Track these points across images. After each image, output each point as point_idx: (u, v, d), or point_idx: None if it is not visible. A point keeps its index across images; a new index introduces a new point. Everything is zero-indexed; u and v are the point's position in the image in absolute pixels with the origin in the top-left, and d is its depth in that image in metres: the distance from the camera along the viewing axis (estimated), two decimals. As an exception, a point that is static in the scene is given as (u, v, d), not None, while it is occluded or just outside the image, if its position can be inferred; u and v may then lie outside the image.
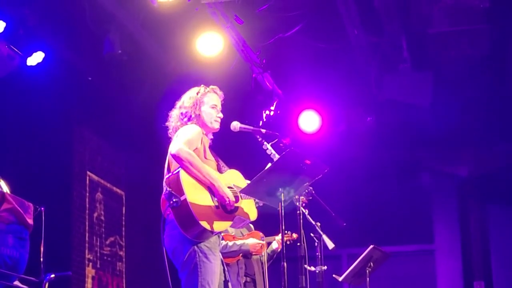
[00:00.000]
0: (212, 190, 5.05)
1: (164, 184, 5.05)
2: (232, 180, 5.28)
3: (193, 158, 4.96)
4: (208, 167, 5.12)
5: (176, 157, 4.97)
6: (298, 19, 8.95)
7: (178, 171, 4.97)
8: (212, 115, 5.36)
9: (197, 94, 5.38)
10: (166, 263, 4.94)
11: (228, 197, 5.05)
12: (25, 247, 5.84)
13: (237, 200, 5.16)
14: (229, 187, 5.19)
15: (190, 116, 5.28)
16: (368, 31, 9.39)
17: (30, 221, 5.91)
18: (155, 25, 8.63)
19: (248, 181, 5.94)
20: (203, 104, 5.34)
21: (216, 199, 5.05)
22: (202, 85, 5.46)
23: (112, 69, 9.13)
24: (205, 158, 5.19)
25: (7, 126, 8.76)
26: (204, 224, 4.85)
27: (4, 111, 8.60)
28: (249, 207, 5.30)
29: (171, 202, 4.87)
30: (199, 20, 8.53)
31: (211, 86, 5.47)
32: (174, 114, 5.39)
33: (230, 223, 5.15)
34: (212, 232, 4.93)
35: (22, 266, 5.80)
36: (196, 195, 4.93)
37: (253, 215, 5.32)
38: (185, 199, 4.86)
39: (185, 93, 5.46)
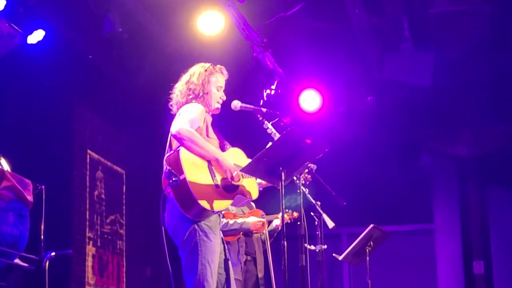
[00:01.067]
0: (214, 167, 5.03)
1: (164, 162, 5.04)
2: (234, 158, 5.26)
3: (194, 136, 4.94)
4: (211, 145, 5.10)
5: (177, 137, 4.95)
6: (299, -2, 8.94)
7: (179, 150, 4.95)
8: (216, 96, 5.33)
9: (206, 71, 5.32)
10: (165, 242, 4.94)
11: (234, 170, 5.05)
12: (25, 224, 5.86)
13: (238, 179, 5.16)
14: None
15: (198, 93, 5.23)
16: (370, 10, 9.36)
17: (30, 198, 5.92)
18: (156, 4, 8.61)
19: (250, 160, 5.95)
20: (210, 83, 5.30)
21: (216, 177, 5.04)
22: (210, 64, 5.41)
23: (112, 48, 9.12)
24: (208, 136, 5.17)
25: (7, 104, 8.75)
26: (204, 203, 4.85)
27: (5, 89, 8.59)
28: (251, 186, 5.29)
29: (171, 181, 4.86)
30: (200, -1, 8.52)
31: (218, 66, 5.42)
32: (181, 89, 5.31)
33: (230, 201, 5.15)
34: (212, 211, 4.93)
35: (22, 243, 5.83)
36: (196, 174, 4.92)
37: (254, 193, 5.31)
38: (184, 178, 4.84)
39: (192, 68, 5.40)
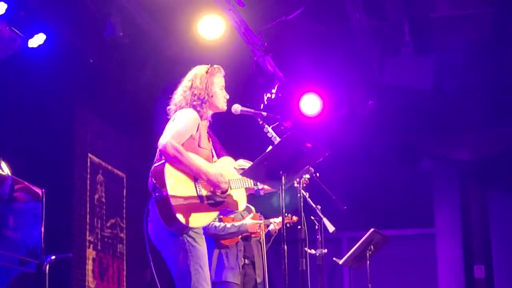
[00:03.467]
0: (199, 182, 4.97)
1: (150, 173, 5.01)
2: (223, 169, 5.21)
3: (180, 154, 4.88)
4: (198, 159, 5.03)
5: (162, 151, 4.90)
6: (300, 2, 8.95)
7: (164, 163, 4.90)
8: (222, 96, 5.29)
9: (207, 73, 5.27)
10: (148, 249, 4.95)
11: (220, 184, 5.00)
12: (38, 223, 5.87)
13: (226, 191, 5.12)
14: None
15: (204, 98, 5.17)
16: (371, 14, 9.38)
17: (39, 191, 5.94)
18: (157, 8, 8.62)
19: (241, 161, 5.94)
20: (213, 85, 5.26)
21: (202, 192, 4.97)
22: (208, 65, 5.36)
23: (113, 52, 9.13)
24: (199, 146, 5.11)
25: (9, 108, 8.75)
26: (185, 221, 4.81)
27: (6, 93, 8.59)
28: (239, 197, 5.23)
29: (154, 195, 4.87)
30: (201, 3, 8.53)
31: (216, 66, 5.38)
32: (184, 94, 5.22)
33: (215, 215, 5.11)
34: (194, 228, 4.90)
35: (38, 243, 5.82)
36: (179, 190, 4.87)
37: (241, 205, 5.25)
38: (167, 195, 4.81)
39: (191, 72, 5.34)
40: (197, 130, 5.11)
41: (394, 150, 12.00)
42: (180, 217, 4.80)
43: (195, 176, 4.96)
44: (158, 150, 5.05)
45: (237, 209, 5.24)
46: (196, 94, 5.19)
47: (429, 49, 10.17)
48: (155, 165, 5.00)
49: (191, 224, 4.85)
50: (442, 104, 11.06)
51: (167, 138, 4.90)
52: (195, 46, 9.07)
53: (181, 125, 5.02)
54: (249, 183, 5.29)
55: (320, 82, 10.70)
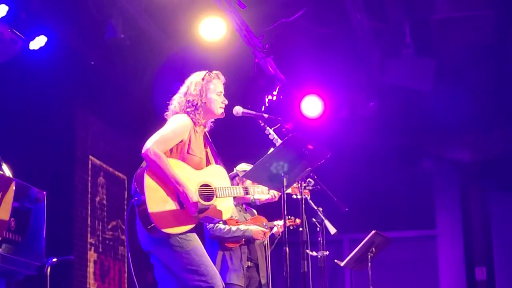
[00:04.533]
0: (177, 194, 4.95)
1: (134, 176, 5.01)
2: (210, 176, 5.15)
3: (161, 161, 4.87)
4: (180, 167, 4.99)
5: (144, 157, 4.93)
6: (301, 4, 8.95)
7: (145, 169, 4.92)
8: (218, 101, 5.29)
9: (203, 80, 5.27)
10: (129, 254, 4.96)
11: (193, 204, 4.91)
12: (40, 223, 5.86)
13: (210, 199, 5.05)
14: (204, 185, 5.07)
15: (197, 104, 5.16)
16: (372, 16, 9.38)
17: (40, 193, 5.93)
18: (158, 10, 8.63)
19: (243, 165, 5.92)
20: (209, 91, 5.24)
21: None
22: (206, 71, 5.39)
23: (114, 54, 9.13)
24: (188, 153, 5.09)
25: (10, 110, 8.76)
26: (164, 229, 4.81)
27: (7, 95, 8.60)
28: (224, 206, 5.16)
29: (134, 199, 4.88)
30: (202, 5, 8.53)
31: (214, 72, 5.37)
32: (179, 101, 5.24)
33: (195, 222, 5.03)
34: (173, 234, 4.87)
35: (39, 245, 5.81)
36: (157, 199, 4.85)
37: (225, 214, 5.18)
38: (144, 201, 4.81)
39: (189, 79, 5.34)
40: (187, 136, 5.09)
41: (395, 152, 11.99)
42: (158, 225, 4.79)
43: (172, 186, 4.93)
44: None
45: (221, 218, 5.18)
46: (190, 101, 5.20)
47: (430, 51, 10.17)
48: (139, 169, 5.01)
49: (168, 231, 4.83)
50: (443, 106, 11.06)
51: (150, 144, 4.93)
52: (196, 48, 9.07)
53: (168, 130, 5.04)
54: (239, 191, 5.25)
55: (321, 83, 10.70)
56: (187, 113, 5.15)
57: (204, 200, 5.02)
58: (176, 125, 5.07)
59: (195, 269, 4.91)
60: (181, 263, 4.94)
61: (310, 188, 5.43)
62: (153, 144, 4.92)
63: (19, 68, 8.48)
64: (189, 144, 5.10)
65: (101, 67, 9.42)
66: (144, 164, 5.05)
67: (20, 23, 7.82)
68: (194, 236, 5.00)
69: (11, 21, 7.68)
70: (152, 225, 4.79)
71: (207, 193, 5.06)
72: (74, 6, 8.39)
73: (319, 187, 5.44)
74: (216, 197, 5.09)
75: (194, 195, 4.94)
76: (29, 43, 7.98)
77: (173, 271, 4.99)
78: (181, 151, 5.06)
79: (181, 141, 5.05)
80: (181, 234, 4.92)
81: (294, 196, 5.38)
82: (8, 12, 7.47)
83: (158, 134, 5.01)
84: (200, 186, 5.05)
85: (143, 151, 4.93)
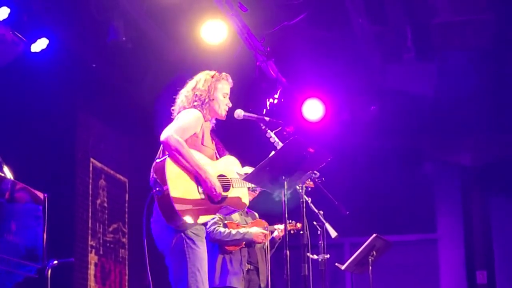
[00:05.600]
0: (199, 180, 5.00)
1: (151, 169, 5.03)
2: (226, 167, 5.22)
3: (182, 147, 4.90)
4: (198, 156, 5.03)
5: (164, 144, 4.93)
6: (303, 7, 8.95)
7: (165, 159, 4.92)
8: (223, 103, 5.32)
9: (212, 77, 5.32)
10: (146, 248, 4.95)
11: (214, 189, 4.98)
12: (40, 225, 5.85)
13: (227, 189, 5.12)
14: (220, 175, 5.14)
15: (204, 99, 5.21)
16: (373, 20, 9.38)
17: (41, 195, 5.92)
18: (160, 12, 8.63)
19: (247, 168, 5.95)
20: (217, 90, 5.29)
21: (202, 189, 5.01)
22: (216, 71, 5.40)
23: (116, 56, 9.13)
24: (202, 144, 5.14)
25: (11, 112, 8.76)
26: (185, 216, 4.82)
27: (8, 97, 8.60)
28: (241, 195, 5.24)
29: (155, 190, 4.88)
30: (204, 8, 8.53)
31: (224, 73, 5.42)
32: (186, 94, 5.28)
33: (216, 211, 5.13)
34: (194, 224, 4.90)
35: (40, 245, 5.81)
36: (180, 186, 4.88)
37: (244, 204, 5.26)
38: (167, 190, 4.82)
39: (198, 75, 5.39)
40: (200, 129, 5.13)
41: (396, 155, 11.99)
42: (180, 213, 4.82)
43: (193, 174, 4.96)
44: (160, 147, 5.09)
45: (240, 208, 5.27)
46: (198, 95, 5.25)
47: (431, 55, 10.18)
48: (157, 160, 5.02)
49: (191, 221, 4.86)
50: (444, 109, 11.07)
51: (171, 131, 4.94)
52: (197, 50, 9.08)
53: (184, 121, 5.06)
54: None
55: (323, 87, 10.71)
56: (194, 107, 5.19)
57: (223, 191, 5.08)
58: (190, 117, 5.11)
59: (182, 277, 4.92)
60: (177, 267, 4.94)
61: (316, 177, 5.40)
62: (174, 131, 4.94)
63: (21, 70, 8.48)
64: (202, 136, 5.16)
65: (102, 69, 9.42)
66: (161, 156, 5.04)
67: (22, 25, 7.83)
68: (203, 251, 5.01)
69: (13, 23, 7.69)
70: (175, 212, 4.80)
71: (224, 183, 5.12)
72: (75, 9, 8.39)
73: (323, 179, 5.44)
74: (233, 187, 5.15)
75: (216, 181, 5.00)
76: (30, 45, 7.98)
77: (175, 266, 4.98)
78: (195, 143, 5.10)
79: (194, 133, 5.09)
80: (198, 225, 4.95)
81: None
82: (9, 14, 7.48)
83: (175, 124, 5.04)
84: (217, 177, 5.10)
85: (163, 138, 4.93)
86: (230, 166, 5.28)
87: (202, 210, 4.97)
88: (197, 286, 4.89)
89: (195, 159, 4.98)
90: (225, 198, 5.11)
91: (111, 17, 8.36)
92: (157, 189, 4.86)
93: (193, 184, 4.97)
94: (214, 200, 5.03)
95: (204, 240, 5.07)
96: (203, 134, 5.18)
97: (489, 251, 12.05)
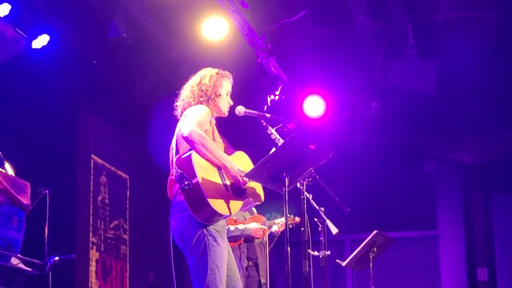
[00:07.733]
0: (223, 171, 5.01)
1: (174, 165, 5.00)
2: (238, 162, 5.24)
3: (205, 140, 4.91)
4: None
5: (188, 139, 4.90)
6: (304, 4, 8.95)
7: (190, 154, 4.92)
8: (226, 100, 5.33)
9: (217, 74, 5.32)
10: (172, 248, 4.93)
11: (241, 176, 5.01)
12: (19, 229, 5.81)
13: (245, 184, 5.16)
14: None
15: (210, 95, 5.21)
16: (374, 17, 9.38)
17: (25, 201, 5.85)
18: (160, 9, 8.63)
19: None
20: (221, 87, 5.30)
21: (226, 181, 5.02)
22: (218, 68, 5.41)
23: (117, 53, 9.14)
24: (214, 140, 5.15)
25: (12, 109, 8.76)
26: (216, 207, 4.82)
27: (9, 93, 8.60)
28: (258, 189, 5.28)
29: (183, 184, 4.84)
30: (205, 4, 8.53)
31: (226, 72, 5.41)
32: (192, 89, 5.27)
33: (240, 204, 5.12)
34: (223, 215, 4.91)
35: (15, 248, 5.78)
36: (208, 178, 4.90)
37: (261, 197, 5.29)
38: (197, 182, 4.81)
39: (201, 71, 5.37)
40: (209, 125, 5.14)
41: (397, 153, 12.00)
42: (211, 202, 4.80)
43: (218, 165, 4.99)
44: (173, 144, 5.08)
45: (259, 200, 5.26)
46: (204, 90, 5.23)
47: (432, 52, 10.17)
48: (178, 157, 5.00)
49: (221, 211, 4.86)
50: (445, 107, 11.07)
51: (192, 126, 4.92)
52: (198, 47, 9.08)
53: (199, 116, 5.04)
54: None
55: (324, 84, 10.70)
56: (200, 103, 5.19)
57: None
58: (202, 113, 5.09)
59: (201, 274, 4.90)
60: (197, 264, 4.94)
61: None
62: (194, 126, 4.93)
63: (22, 67, 8.48)
64: (213, 132, 5.17)
65: (103, 66, 9.42)
66: (182, 151, 5.02)
67: (23, 22, 7.82)
68: (224, 249, 5.01)
69: (14, 20, 7.68)
70: (206, 203, 4.79)
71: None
72: (76, 5, 8.39)
73: (318, 176, 5.43)
74: (249, 181, 5.15)
75: (239, 171, 5.02)
76: (31, 42, 7.98)
77: (195, 262, 4.97)
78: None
79: (206, 129, 5.08)
80: (223, 218, 4.97)
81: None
82: (10, 11, 7.47)
83: (192, 119, 5.01)
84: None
85: (185, 134, 4.89)
86: (243, 161, 5.30)
87: (229, 200, 4.98)
88: (216, 284, 4.88)
89: (219, 151, 5.02)
90: (245, 190, 5.13)
91: (112, 14, 8.36)
92: (186, 182, 4.83)
93: (217, 177, 4.99)
94: (240, 187, 5.05)
95: (226, 238, 5.06)
96: (213, 130, 5.19)
97: (490, 248, 12.05)
